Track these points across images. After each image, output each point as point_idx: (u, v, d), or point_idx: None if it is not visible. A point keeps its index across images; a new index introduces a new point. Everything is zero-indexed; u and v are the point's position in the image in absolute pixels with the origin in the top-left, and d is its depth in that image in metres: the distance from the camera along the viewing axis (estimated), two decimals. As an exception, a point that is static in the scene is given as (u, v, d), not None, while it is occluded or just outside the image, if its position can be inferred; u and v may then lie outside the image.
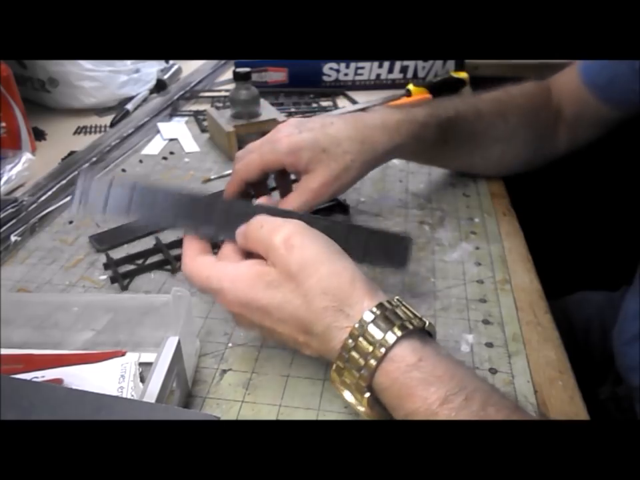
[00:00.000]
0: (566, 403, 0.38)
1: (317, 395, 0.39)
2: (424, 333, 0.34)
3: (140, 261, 0.54)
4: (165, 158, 0.75)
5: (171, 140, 0.81)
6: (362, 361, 0.32)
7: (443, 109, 0.57)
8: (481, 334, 0.44)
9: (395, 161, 0.72)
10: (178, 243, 0.54)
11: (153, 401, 0.32)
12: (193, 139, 0.81)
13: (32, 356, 0.41)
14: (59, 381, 0.39)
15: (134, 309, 0.42)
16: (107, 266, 0.53)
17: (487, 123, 0.60)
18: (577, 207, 1.09)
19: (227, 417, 0.38)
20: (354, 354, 0.33)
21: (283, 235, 0.36)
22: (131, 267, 0.53)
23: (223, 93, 0.96)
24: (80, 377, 0.40)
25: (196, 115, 0.88)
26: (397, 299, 0.35)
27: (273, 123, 0.75)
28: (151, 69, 0.99)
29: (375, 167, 0.53)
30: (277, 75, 0.97)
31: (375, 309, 0.33)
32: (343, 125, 0.51)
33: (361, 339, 0.33)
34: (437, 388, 0.31)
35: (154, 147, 0.79)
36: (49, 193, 0.66)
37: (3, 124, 0.74)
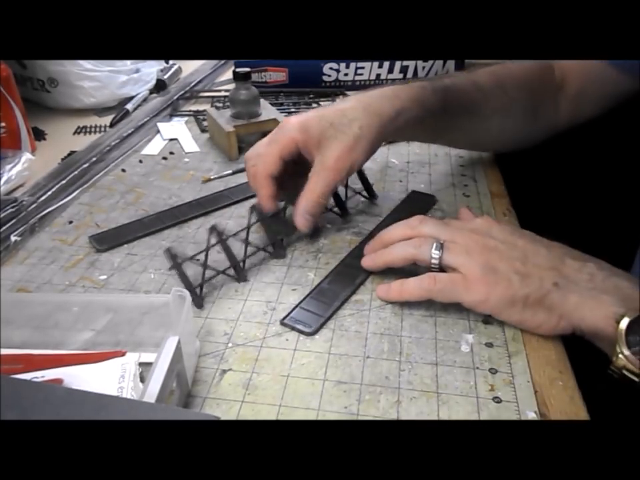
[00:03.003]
0: (566, 403, 0.38)
1: (316, 395, 0.39)
2: None
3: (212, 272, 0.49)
4: (164, 158, 0.75)
5: (171, 140, 0.81)
6: None
7: (438, 79, 0.58)
8: (481, 334, 0.44)
9: (395, 161, 0.72)
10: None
11: (153, 400, 0.32)
12: (192, 138, 0.81)
13: (32, 356, 0.41)
14: (59, 381, 0.39)
15: (134, 308, 0.42)
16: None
17: (485, 93, 0.60)
18: (577, 207, 1.09)
19: (227, 416, 0.38)
20: None
21: None
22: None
23: (223, 93, 0.96)
24: (80, 377, 0.40)
25: (196, 114, 0.88)
26: None
27: (273, 122, 0.75)
28: (150, 69, 0.99)
29: (384, 138, 0.53)
30: (276, 75, 0.97)
31: None
32: (344, 101, 0.53)
33: None
34: None
35: (154, 146, 0.79)
36: (49, 193, 0.66)
37: (3, 124, 0.74)
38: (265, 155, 0.51)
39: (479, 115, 0.61)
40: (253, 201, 0.64)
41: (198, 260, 0.48)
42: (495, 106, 0.61)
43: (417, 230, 0.48)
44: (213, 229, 0.48)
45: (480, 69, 0.63)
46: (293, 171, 0.53)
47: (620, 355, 0.37)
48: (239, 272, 0.50)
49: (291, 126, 0.50)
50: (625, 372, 0.38)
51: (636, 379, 0.37)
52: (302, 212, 0.51)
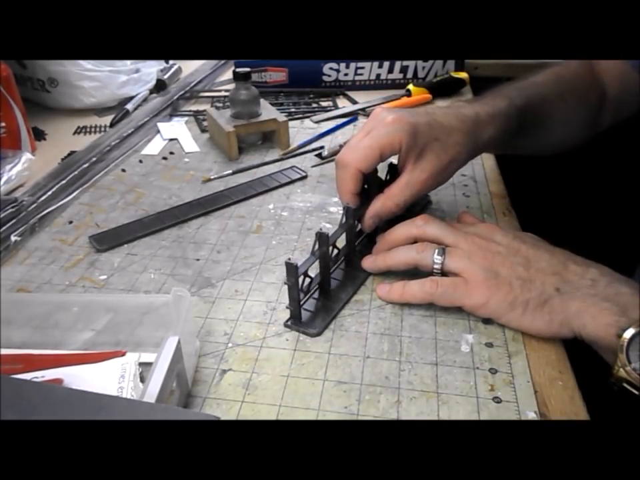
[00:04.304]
0: (566, 403, 0.38)
1: (316, 395, 0.39)
2: None
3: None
4: (164, 158, 0.75)
5: (171, 140, 0.81)
6: None
7: (517, 98, 0.56)
8: (481, 334, 0.44)
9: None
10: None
11: (153, 401, 0.32)
12: (192, 138, 0.81)
13: (32, 356, 0.41)
14: (59, 381, 0.39)
15: (134, 308, 0.42)
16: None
17: (551, 106, 0.60)
18: (577, 207, 1.09)
19: (227, 417, 0.38)
20: None
21: None
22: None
23: (223, 93, 0.96)
24: (80, 377, 0.40)
25: (196, 114, 0.88)
26: None
27: (273, 122, 0.75)
28: (150, 69, 0.99)
29: (474, 157, 0.54)
30: (276, 74, 0.97)
31: None
32: (445, 116, 0.51)
33: None
34: None
35: (154, 146, 0.79)
36: (49, 192, 0.66)
37: (3, 124, 0.74)
38: (362, 148, 0.47)
39: (545, 128, 0.61)
40: (254, 202, 0.64)
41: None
42: (558, 117, 0.61)
43: (422, 230, 0.48)
44: (321, 236, 0.45)
45: (539, 75, 0.62)
46: None
47: (620, 369, 0.38)
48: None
49: (402, 125, 0.47)
50: (625, 385, 0.38)
51: (636, 392, 0.37)
52: (375, 214, 0.50)
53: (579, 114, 0.64)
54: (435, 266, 0.45)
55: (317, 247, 0.45)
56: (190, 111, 0.91)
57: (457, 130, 0.50)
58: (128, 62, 0.93)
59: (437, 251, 0.46)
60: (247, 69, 0.74)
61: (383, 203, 0.50)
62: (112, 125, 0.87)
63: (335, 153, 0.73)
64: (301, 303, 0.45)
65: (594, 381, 0.41)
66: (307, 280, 0.46)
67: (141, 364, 0.41)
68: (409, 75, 0.96)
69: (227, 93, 0.92)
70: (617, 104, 0.66)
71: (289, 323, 0.45)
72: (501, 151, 0.67)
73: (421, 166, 0.48)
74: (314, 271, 0.46)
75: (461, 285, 0.44)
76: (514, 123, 0.55)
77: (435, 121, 0.49)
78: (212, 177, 0.69)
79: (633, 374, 0.37)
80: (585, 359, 0.43)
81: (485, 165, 0.71)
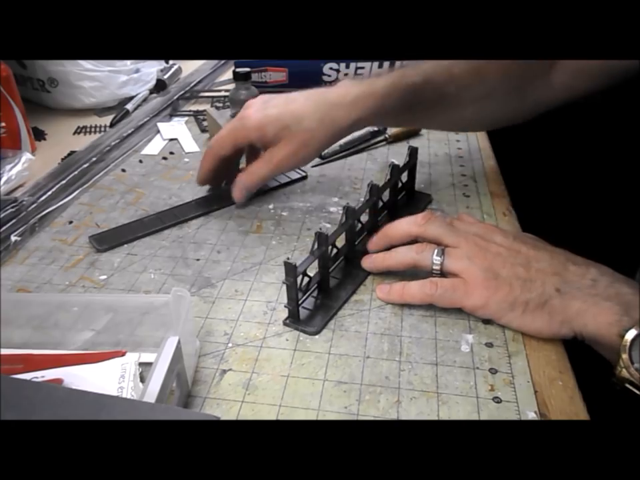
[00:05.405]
0: (566, 403, 0.38)
1: (316, 395, 0.39)
2: None
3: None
4: (164, 158, 0.75)
5: (171, 140, 0.81)
6: None
7: (408, 76, 0.56)
8: (481, 334, 0.44)
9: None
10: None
11: (153, 401, 0.32)
12: (192, 139, 0.81)
13: (32, 356, 0.41)
14: (59, 381, 0.39)
15: (134, 308, 0.42)
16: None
17: (460, 85, 0.58)
18: (577, 207, 1.09)
19: (227, 417, 0.38)
20: None
21: None
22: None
23: (223, 93, 0.96)
24: (80, 377, 0.40)
25: (196, 114, 0.88)
26: None
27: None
28: (151, 69, 0.99)
29: (337, 140, 0.58)
30: (276, 74, 0.97)
31: None
32: (305, 101, 0.56)
33: None
34: None
35: (154, 147, 0.79)
36: (49, 192, 0.66)
37: (3, 124, 0.74)
38: (221, 139, 0.58)
39: (452, 106, 0.60)
40: (254, 201, 0.64)
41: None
42: (471, 96, 0.59)
43: (422, 229, 0.48)
44: (320, 235, 0.46)
45: None
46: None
47: (623, 369, 0.38)
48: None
49: (251, 124, 0.56)
50: (628, 385, 0.38)
51: (638, 392, 0.37)
52: (241, 186, 0.59)
53: (506, 90, 0.60)
54: (434, 266, 0.45)
55: (315, 246, 0.46)
56: (190, 110, 0.91)
57: (308, 117, 0.55)
58: (128, 62, 0.93)
59: (436, 251, 0.46)
60: (247, 69, 0.74)
61: (246, 178, 0.59)
62: (112, 125, 0.87)
63: (336, 153, 0.73)
64: (300, 301, 0.45)
65: (594, 380, 0.41)
66: (306, 279, 0.46)
67: (141, 364, 0.41)
68: (409, 74, 0.96)
69: (226, 93, 0.92)
70: (573, 75, 0.60)
71: (287, 321, 0.45)
72: (391, 126, 0.71)
73: (274, 151, 0.56)
74: (313, 270, 0.47)
75: (460, 286, 0.44)
76: (395, 102, 0.55)
77: (287, 110, 0.55)
78: (212, 177, 0.69)
79: (636, 375, 0.37)
80: (585, 359, 0.43)
81: (485, 164, 0.71)
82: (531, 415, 0.37)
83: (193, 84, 1.01)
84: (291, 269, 0.42)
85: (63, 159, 0.76)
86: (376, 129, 0.77)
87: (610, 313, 0.40)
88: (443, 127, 0.67)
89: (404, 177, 0.60)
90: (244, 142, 0.57)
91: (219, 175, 0.62)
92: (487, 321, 0.45)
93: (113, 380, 0.39)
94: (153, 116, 0.88)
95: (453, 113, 0.62)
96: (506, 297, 0.43)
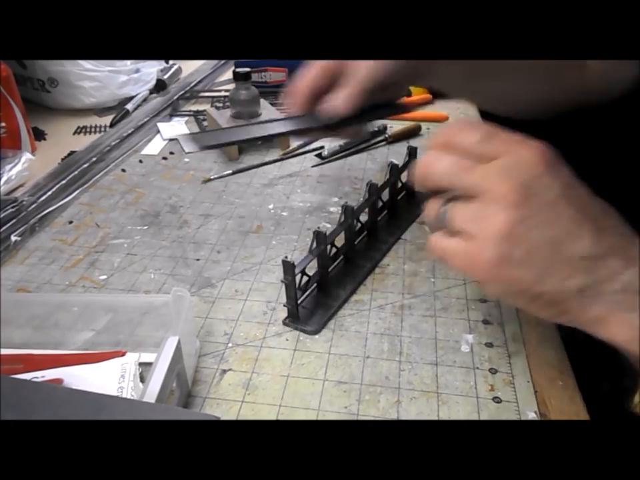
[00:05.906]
0: (566, 403, 0.38)
1: (316, 395, 0.39)
2: None
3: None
4: (164, 158, 0.75)
5: (171, 140, 0.81)
6: None
7: None
8: (481, 334, 0.44)
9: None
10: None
11: (153, 401, 0.32)
12: (192, 138, 0.81)
13: (32, 356, 0.41)
14: (59, 381, 0.39)
15: (134, 308, 0.42)
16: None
17: (509, 65, 0.53)
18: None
19: (227, 417, 0.38)
20: None
21: None
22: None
23: (223, 93, 0.96)
24: (80, 377, 0.40)
25: (196, 115, 0.88)
26: None
27: (273, 122, 0.75)
28: (151, 69, 0.99)
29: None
30: (276, 74, 0.97)
31: None
32: None
33: None
34: None
35: (154, 146, 0.79)
36: (49, 192, 0.66)
37: (3, 124, 0.74)
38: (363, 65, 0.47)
39: (493, 75, 0.54)
40: (254, 201, 0.64)
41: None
42: (513, 64, 0.52)
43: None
44: (319, 234, 0.45)
45: None
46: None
47: None
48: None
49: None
50: None
51: None
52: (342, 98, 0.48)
53: (547, 64, 0.54)
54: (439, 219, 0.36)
55: (314, 245, 0.46)
56: (190, 110, 0.91)
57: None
58: (128, 62, 0.93)
59: (444, 204, 0.36)
60: (247, 69, 0.74)
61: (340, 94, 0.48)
62: (112, 124, 0.87)
63: (335, 153, 0.73)
64: (299, 300, 0.45)
65: (594, 381, 0.41)
66: (305, 278, 0.46)
67: (141, 364, 0.41)
68: (409, 74, 0.96)
69: (226, 93, 0.92)
70: (605, 77, 0.57)
71: (287, 320, 0.45)
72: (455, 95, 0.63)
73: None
74: (312, 269, 0.47)
75: (460, 252, 0.35)
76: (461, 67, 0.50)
77: None
78: (212, 177, 0.69)
79: None
80: (585, 359, 0.43)
81: (485, 164, 0.71)
82: (531, 415, 0.37)
83: (193, 84, 1.01)
84: (289, 268, 0.43)
85: (63, 159, 0.76)
86: (376, 129, 0.77)
87: (631, 327, 0.33)
88: (481, 99, 0.63)
89: (404, 176, 0.60)
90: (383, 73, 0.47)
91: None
92: (487, 321, 0.45)
93: (113, 380, 0.39)
94: (153, 116, 0.88)
95: (492, 85, 0.56)
96: (517, 284, 0.34)
